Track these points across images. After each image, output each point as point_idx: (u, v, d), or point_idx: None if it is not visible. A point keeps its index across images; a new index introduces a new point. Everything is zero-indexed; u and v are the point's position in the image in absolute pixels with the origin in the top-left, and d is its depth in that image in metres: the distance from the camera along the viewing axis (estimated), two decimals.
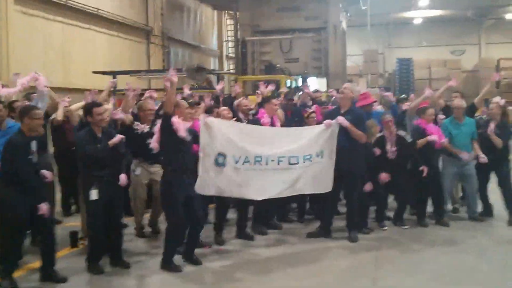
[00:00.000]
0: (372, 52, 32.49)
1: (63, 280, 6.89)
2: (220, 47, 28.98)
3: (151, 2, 22.42)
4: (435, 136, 9.12)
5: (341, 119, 8.31)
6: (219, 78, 17.08)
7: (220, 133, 7.85)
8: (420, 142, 9.16)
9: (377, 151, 9.00)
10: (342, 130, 8.36)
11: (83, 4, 17.61)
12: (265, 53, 22.97)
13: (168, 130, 7.17)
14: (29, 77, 8.06)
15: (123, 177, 7.40)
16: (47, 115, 8.63)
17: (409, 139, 9.21)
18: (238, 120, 8.87)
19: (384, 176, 8.98)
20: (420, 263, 7.54)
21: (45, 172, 6.91)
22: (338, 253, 8.05)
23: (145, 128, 8.52)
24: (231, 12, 26.08)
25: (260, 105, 9.46)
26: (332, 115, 8.62)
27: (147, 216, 9.25)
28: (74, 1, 17.14)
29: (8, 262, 6.73)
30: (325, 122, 8.41)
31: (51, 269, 6.93)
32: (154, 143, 7.48)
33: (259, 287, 6.89)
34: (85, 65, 17.23)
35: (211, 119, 7.93)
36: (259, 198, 8.29)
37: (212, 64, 28.45)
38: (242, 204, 8.79)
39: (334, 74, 21.50)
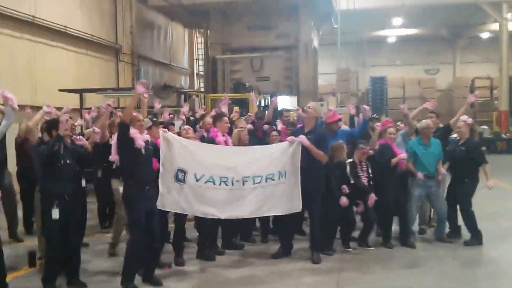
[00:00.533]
0: (345, 71, 32.58)
1: None
2: (191, 65, 28.88)
3: (121, 20, 22.24)
4: (405, 154, 9.12)
5: (301, 138, 8.23)
6: (186, 96, 16.95)
7: (180, 149, 7.78)
8: (394, 161, 9.11)
9: (345, 189, 8.82)
10: (304, 149, 8.27)
11: (50, 22, 17.38)
12: (236, 71, 22.89)
13: (125, 141, 7.09)
14: None
15: None
16: None
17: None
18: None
19: (360, 208, 9.00)
20: (382, 285, 7.46)
21: None
22: (300, 274, 7.90)
23: None
24: (202, 30, 26.04)
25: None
26: (296, 134, 8.53)
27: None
28: (42, 19, 16.91)
29: None
30: (288, 138, 8.36)
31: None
32: (113, 155, 7.47)
33: None
34: (53, 83, 16.97)
35: (171, 135, 7.86)
36: (222, 217, 8.20)
37: (183, 82, 28.32)
38: (202, 223, 8.64)
39: (305, 92, 21.47)
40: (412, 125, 9.90)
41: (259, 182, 8.17)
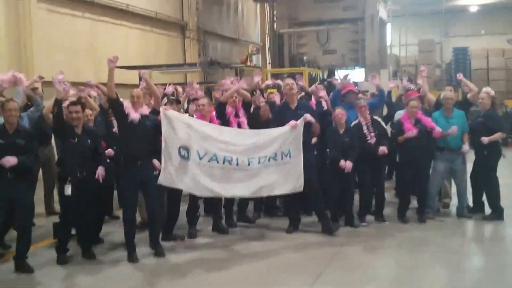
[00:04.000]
0: (428, 42, 31.57)
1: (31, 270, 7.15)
2: (262, 40, 28.85)
3: None
4: (412, 132, 8.85)
5: (308, 117, 8.22)
6: (238, 71, 17.04)
7: (182, 127, 7.86)
8: (400, 139, 8.96)
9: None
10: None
11: (112, 0, 17.91)
12: (302, 45, 22.73)
13: (118, 115, 7.51)
14: (7, 77, 8.18)
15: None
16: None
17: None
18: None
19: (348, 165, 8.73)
20: (374, 260, 7.46)
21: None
22: (303, 247, 8.02)
23: None
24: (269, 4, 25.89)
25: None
26: (282, 111, 8.60)
27: None
28: None
29: None
30: (291, 124, 8.21)
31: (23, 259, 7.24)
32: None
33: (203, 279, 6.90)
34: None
35: (172, 112, 7.95)
36: (226, 195, 8.46)
37: (255, 56, 28.34)
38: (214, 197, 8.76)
39: (371, 65, 21.05)
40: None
41: (264, 162, 8.23)
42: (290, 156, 8.28)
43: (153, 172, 7.68)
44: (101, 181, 7.45)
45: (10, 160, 6.85)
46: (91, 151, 7.53)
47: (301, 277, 6.82)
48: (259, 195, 8.74)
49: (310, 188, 8.48)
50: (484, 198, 9.45)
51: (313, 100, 9.51)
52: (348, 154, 8.64)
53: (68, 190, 7.29)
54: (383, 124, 9.18)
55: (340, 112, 8.75)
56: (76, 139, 7.39)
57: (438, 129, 8.87)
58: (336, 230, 8.54)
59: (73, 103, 7.57)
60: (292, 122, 8.22)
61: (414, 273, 6.94)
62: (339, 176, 8.71)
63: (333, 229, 8.53)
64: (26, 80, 8.33)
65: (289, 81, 8.74)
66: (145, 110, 7.66)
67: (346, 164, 8.53)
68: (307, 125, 8.27)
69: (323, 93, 9.05)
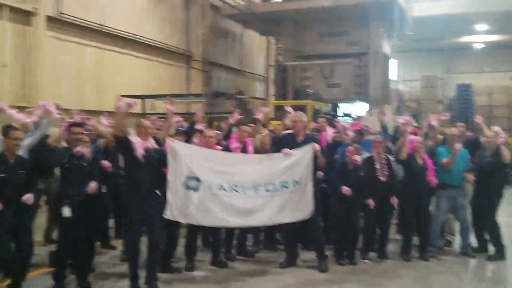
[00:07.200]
0: (431, 77, 31.69)
1: None
2: (267, 72, 29.07)
3: (193, 28, 22.71)
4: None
5: (317, 147, 8.25)
6: (241, 103, 17.07)
7: (189, 158, 7.85)
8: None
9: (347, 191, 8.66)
10: None
11: (118, 30, 18.05)
12: (306, 78, 22.87)
13: (123, 150, 7.42)
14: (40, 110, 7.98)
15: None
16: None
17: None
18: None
19: (371, 202, 8.79)
20: None
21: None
22: (300, 285, 7.91)
23: None
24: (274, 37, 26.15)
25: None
26: (286, 142, 8.56)
27: None
28: (109, 27, 17.62)
29: None
30: (284, 150, 8.32)
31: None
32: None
33: None
34: (122, 89, 17.38)
35: (179, 143, 7.94)
36: (232, 225, 8.43)
37: (258, 88, 28.58)
38: (215, 230, 8.76)
39: (374, 99, 21.15)
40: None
41: (273, 190, 8.24)
42: (299, 184, 8.32)
43: (159, 203, 7.61)
44: (89, 191, 7.44)
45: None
46: (88, 174, 7.53)
47: None
48: (270, 224, 8.66)
49: (311, 222, 8.49)
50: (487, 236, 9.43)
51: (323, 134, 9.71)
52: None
53: (66, 211, 7.23)
54: (394, 165, 9.20)
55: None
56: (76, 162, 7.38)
57: (434, 181, 9.07)
58: (327, 271, 8.46)
59: (75, 125, 7.59)
60: (286, 150, 8.28)
61: None
62: (345, 211, 8.71)
63: (326, 269, 8.47)
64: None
65: (295, 114, 8.82)
66: (151, 143, 7.55)
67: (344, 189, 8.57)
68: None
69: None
